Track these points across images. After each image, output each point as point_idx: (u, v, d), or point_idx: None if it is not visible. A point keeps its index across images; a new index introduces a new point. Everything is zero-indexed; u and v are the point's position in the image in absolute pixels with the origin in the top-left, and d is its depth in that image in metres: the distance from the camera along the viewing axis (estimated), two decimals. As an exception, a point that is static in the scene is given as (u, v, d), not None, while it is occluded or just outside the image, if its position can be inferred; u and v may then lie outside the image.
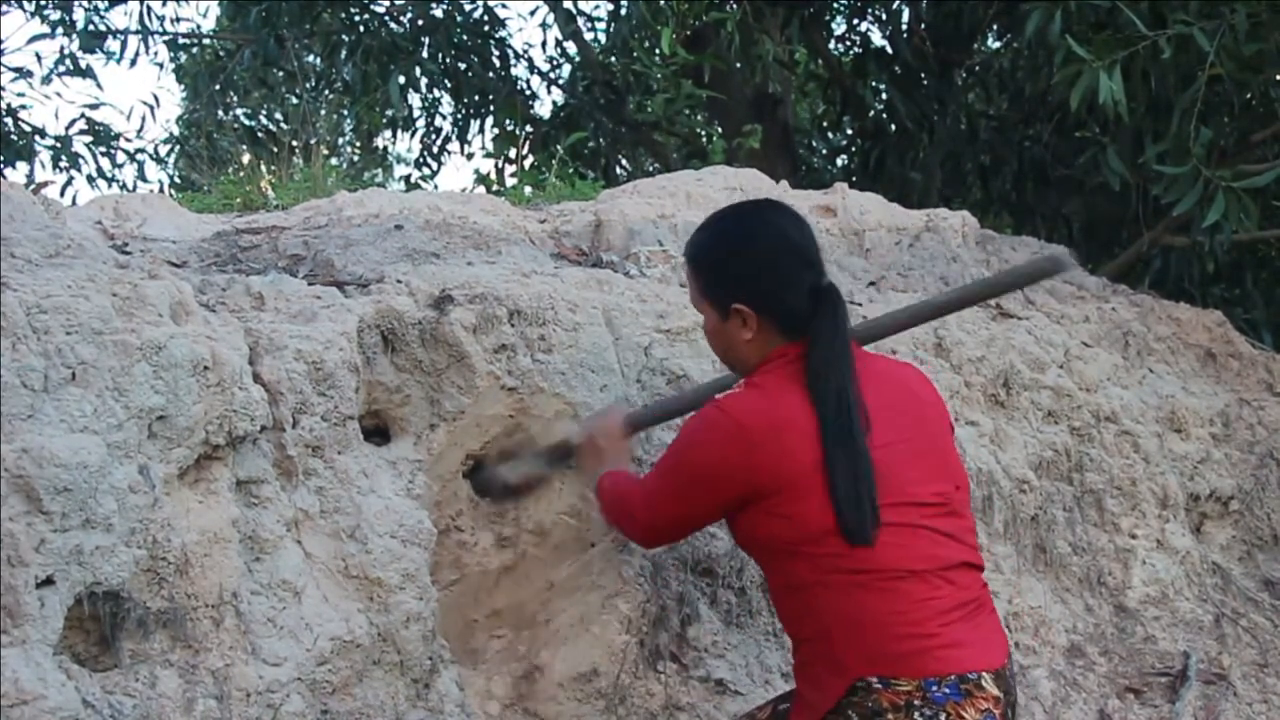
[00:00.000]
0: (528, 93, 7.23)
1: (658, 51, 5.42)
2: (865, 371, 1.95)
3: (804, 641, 1.94)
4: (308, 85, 7.08)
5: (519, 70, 7.26)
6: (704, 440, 1.92)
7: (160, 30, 7.25)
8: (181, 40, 7.57)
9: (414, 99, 7.22)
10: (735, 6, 5.37)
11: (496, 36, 7.01)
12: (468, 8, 6.99)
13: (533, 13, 17.79)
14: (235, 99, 7.91)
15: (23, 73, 6.49)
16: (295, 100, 7.53)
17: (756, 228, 2.03)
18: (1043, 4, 4.37)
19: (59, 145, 6.28)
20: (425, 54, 6.57)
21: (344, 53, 6.65)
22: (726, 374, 2.22)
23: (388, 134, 8.42)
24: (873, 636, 1.83)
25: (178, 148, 7.16)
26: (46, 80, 6.64)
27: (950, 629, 1.84)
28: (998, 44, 7.15)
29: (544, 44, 14.42)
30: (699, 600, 2.47)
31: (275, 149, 6.39)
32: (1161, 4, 4.23)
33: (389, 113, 7.09)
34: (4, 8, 6.54)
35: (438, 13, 6.65)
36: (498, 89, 6.82)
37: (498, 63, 6.94)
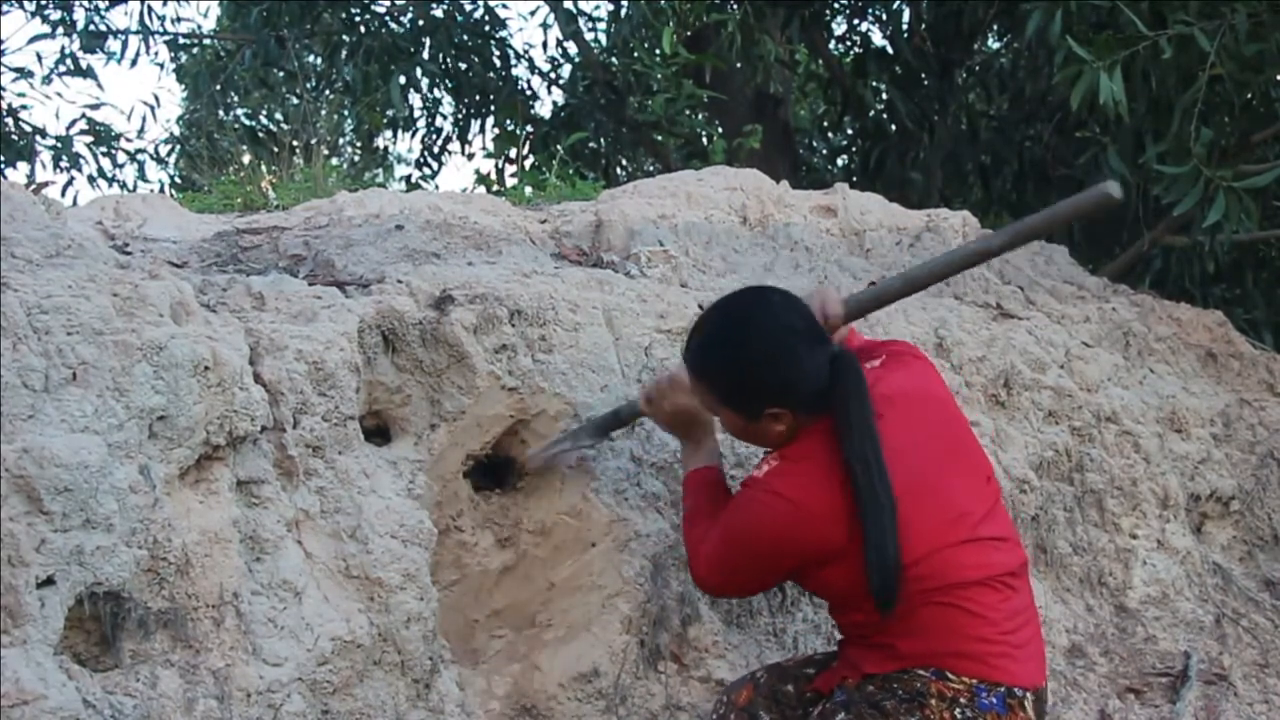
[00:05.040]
0: (528, 93, 7.22)
1: (658, 51, 5.42)
2: (885, 393, 1.95)
3: (862, 637, 2.00)
4: (308, 85, 7.07)
5: (519, 70, 7.27)
6: (765, 523, 1.94)
7: (161, 30, 7.25)
8: (182, 40, 7.57)
9: (414, 99, 7.22)
10: (736, 7, 5.37)
11: (497, 36, 7.00)
12: (468, 8, 6.99)
13: (533, 13, 17.80)
14: (236, 99, 7.91)
15: (23, 73, 6.50)
16: (296, 100, 7.53)
17: (762, 329, 1.96)
18: (1043, 4, 4.37)
19: (60, 145, 6.28)
20: (426, 54, 6.57)
21: (344, 53, 6.65)
22: None
23: (388, 134, 8.41)
24: (936, 640, 1.89)
25: (178, 148, 7.15)
26: (47, 80, 6.65)
27: (1008, 637, 1.90)
28: (998, 44, 7.16)
29: (544, 44, 14.44)
30: (699, 600, 2.47)
31: (276, 149, 6.39)
32: (1162, 4, 4.22)
33: (389, 113, 7.09)
34: (4, 8, 6.54)
35: (438, 13, 6.65)
36: (498, 89, 6.82)
37: (498, 63, 6.94)
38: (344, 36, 6.64)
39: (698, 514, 2.14)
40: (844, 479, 1.88)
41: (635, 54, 5.75)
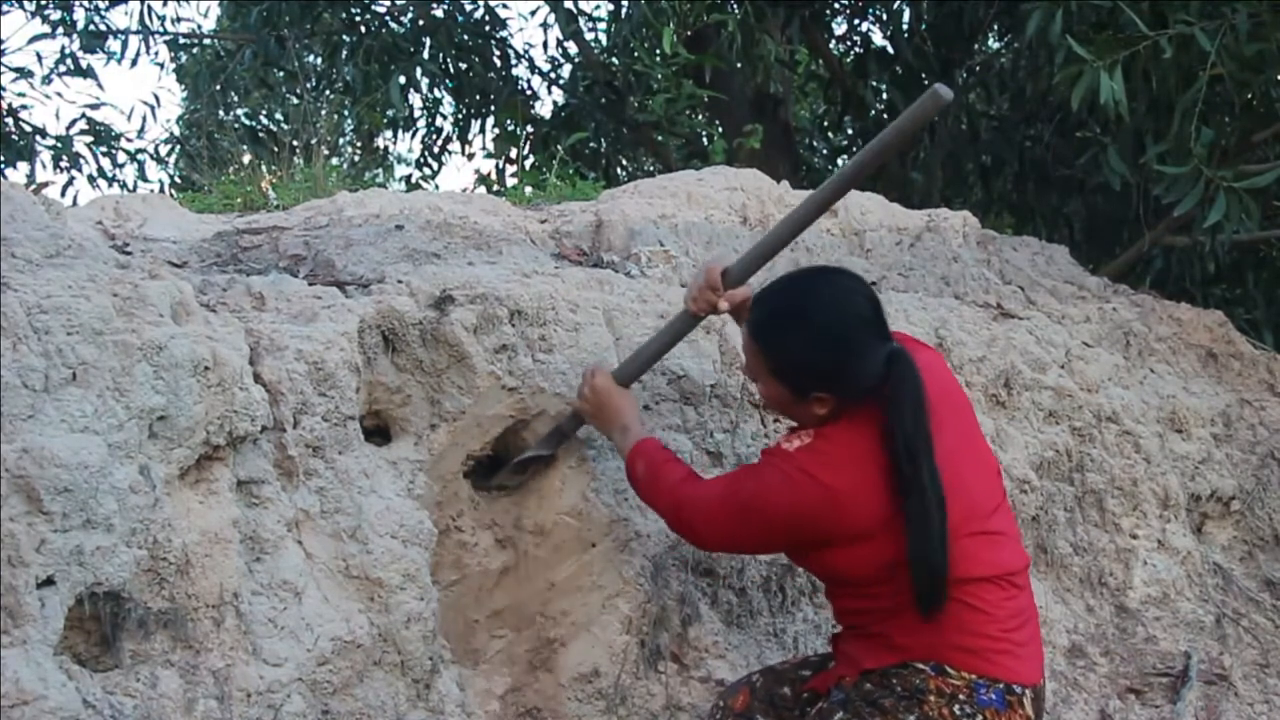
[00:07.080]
0: (528, 93, 7.22)
1: (659, 51, 5.42)
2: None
3: (858, 627, 1.99)
4: (308, 85, 7.06)
5: (520, 70, 7.26)
6: (791, 500, 1.92)
7: (161, 30, 7.24)
8: (182, 40, 7.56)
9: (415, 99, 7.21)
10: (736, 7, 5.37)
11: (497, 36, 7.00)
12: (468, 8, 6.98)
13: (533, 13, 17.79)
14: (236, 99, 7.90)
15: (23, 73, 6.48)
16: (296, 100, 7.51)
17: (830, 314, 1.96)
18: (1043, 4, 4.37)
19: (60, 145, 6.27)
20: (426, 54, 6.57)
21: (345, 53, 6.64)
22: (683, 311, 2.26)
23: (388, 134, 8.40)
24: (937, 633, 1.88)
25: (178, 148, 7.14)
26: (47, 80, 6.63)
27: (1010, 635, 1.91)
28: (998, 44, 7.15)
29: (545, 44, 14.43)
30: (700, 600, 2.47)
31: (276, 149, 6.38)
32: (1163, 4, 4.22)
33: (390, 113, 7.08)
34: (4, 8, 6.53)
35: (439, 13, 6.65)
36: (499, 89, 6.81)
37: (499, 63, 6.93)
38: (344, 36, 6.64)
39: (665, 469, 2.14)
40: (881, 464, 1.87)
41: (635, 54, 5.73)
